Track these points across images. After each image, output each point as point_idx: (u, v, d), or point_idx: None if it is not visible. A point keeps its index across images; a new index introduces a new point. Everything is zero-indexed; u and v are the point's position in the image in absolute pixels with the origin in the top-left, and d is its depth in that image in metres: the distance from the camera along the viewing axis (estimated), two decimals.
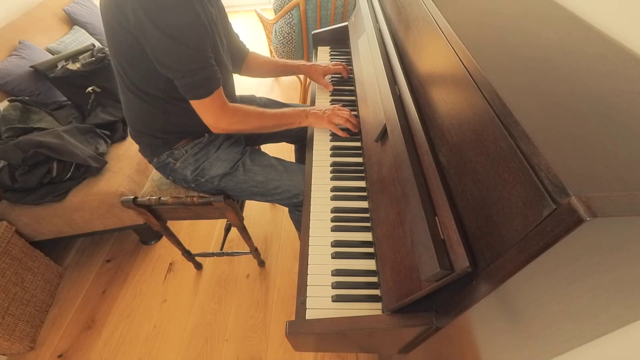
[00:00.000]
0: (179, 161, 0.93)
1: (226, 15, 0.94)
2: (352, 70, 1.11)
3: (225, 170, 0.93)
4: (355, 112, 0.99)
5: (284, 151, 1.75)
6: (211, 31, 0.77)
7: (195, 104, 0.78)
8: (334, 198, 0.76)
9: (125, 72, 0.78)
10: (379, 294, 0.60)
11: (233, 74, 1.00)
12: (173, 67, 0.70)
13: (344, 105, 1.02)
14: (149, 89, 0.79)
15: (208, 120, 0.81)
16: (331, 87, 1.09)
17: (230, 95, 0.97)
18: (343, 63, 1.13)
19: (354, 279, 0.63)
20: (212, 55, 0.75)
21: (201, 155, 0.93)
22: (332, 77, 1.12)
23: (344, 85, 1.10)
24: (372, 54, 0.83)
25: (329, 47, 1.28)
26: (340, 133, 0.90)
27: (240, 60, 1.06)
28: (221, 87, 0.79)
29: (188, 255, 1.29)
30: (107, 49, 1.49)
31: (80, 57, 1.51)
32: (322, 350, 0.69)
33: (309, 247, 0.68)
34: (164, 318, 1.29)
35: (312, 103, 1.04)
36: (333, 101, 1.04)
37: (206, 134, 0.94)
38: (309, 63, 1.12)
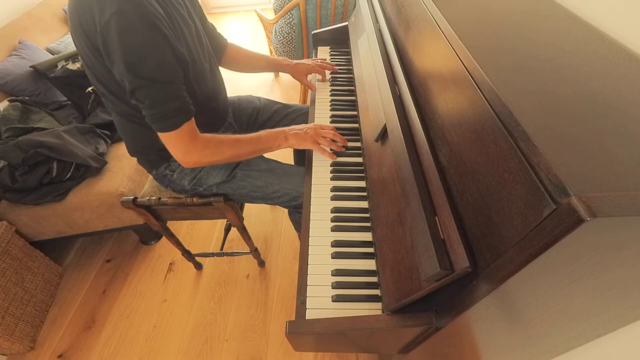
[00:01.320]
0: (176, 172, 0.92)
1: (200, 7, 0.90)
2: (352, 70, 1.11)
3: (222, 178, 0.93)
4: (355, 112, 0.99)
5: (283, 152, 1.75)
6: (186, 41, 0.74)
7: (162, 136, 0.73)
8: (334, 198, 0.76)
9: (108, 98, 0.76)
10: (379, 294, 0.60)
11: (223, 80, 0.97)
12: (138, 99, 0.66)
13: (343, 105, 1.02)
14: (136, 116, 0.77)
15: (177, 155, 0.76)
16: (314, 88, 1.07)
17: (223, 105, 0.94)
18: (329, 63, 1.11)
19: (354, 279, 0.63)
20: (183, 87, 0.71)
21: None
22: (332, 76, 1.12)
23: (343, 85, 1.10)
24: (372, 54, 0.83)
25: (329, 47, 1.28)
26: (327, 155, 0.84)
27: (220, 52, 1.02)
28: (192, 119, 0.74)
29: (188, 255, 1.29)
30: None
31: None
32: (322, 350, 0.69)
33: (309, 247, 0.68)
34: (164, 318, 1.29)
35: (312, 103, 1.04)
36: (333, 101, 1.03)
37: None
38: (293, 62, 1.09)
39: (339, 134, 0.87)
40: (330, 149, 0.85)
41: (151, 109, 0.67)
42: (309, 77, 1.12)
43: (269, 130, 0.87)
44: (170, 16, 0.70)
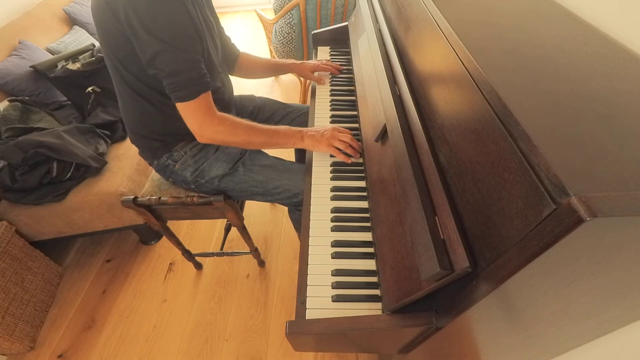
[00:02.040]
0: (178, 163, 0.93)
1: (217, 17, 0.94)
2: (352, 70, 1.11)
3: (224, 170, 0.93)
4: (355, 112, 0.99)
5: (283, 150, 1.75)
6: (205, 34, 0.77)
7: (180, 107, 0.74)
8: (334, 198, 0.76)
9: (120, 75, 0.77)
10: (379, 294, 0.60)
11: (230, 77, 1.01)
12: (159, 67, 0.69)
13: (343, 105, 1.02)
14: (145, 91, 0.79)
15: (192, 126, 0.77)
16: (324, 82, 1.10)
17: (228, 98, 0.97)
18: (334, 62, 1.15)
19: (354, 279, 0.63)
20: (201, 59, 0.73)
21: (200, 156, 0.93)
22: (332, 77, 1.12)
23: (343, 86, 1.10)
24: (372, 54, 0.83)
25: (329, 47, 1.28)
26: (343, 158, 0.83)
27: (233, 61, 1.07)
28: (209, 92, 0.76)
29: (188, 255, 1.29)
30: None
31: (80, 57, 1.51)
32: (322, 350, 0.68)
33: (309, 247, 0.68)
34: (164, 318, 1.29)
35: (312, 103, 1.04)
36: (333, 101, 1.03)
37: None
38: (299, 62, 1.13)
39: (356, 141, 0.85)
40: (346, 153, 0.84)
41: (171, 77, 0.70)
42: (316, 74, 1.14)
43: (288, 127, 0.87)
44: (194, 3, 0.74)
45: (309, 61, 1.14)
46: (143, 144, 0.92)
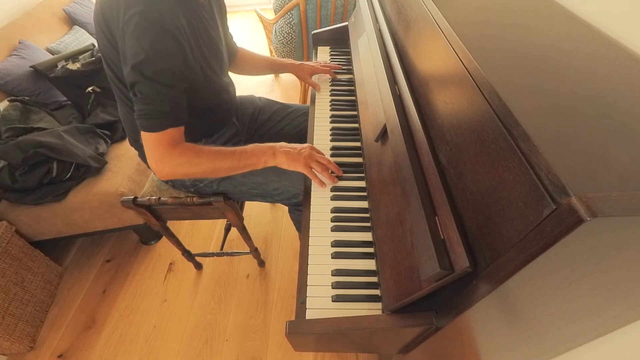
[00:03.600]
0: None
1: (225, 18, 0.94)
2: (352, 70, 1.11)
3: None
4: (355, 112, 0.99)
5: None
6: (204, 65, 0.76)
7: (143, 135, 0.71)
8: (334, 198, 0.76)
9: (115, 84, 0.77)
10: (379, 294, 0.60)
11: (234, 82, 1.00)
12: (135, 91, 0.67)
13: (343, 105, 1.02)
14: None
15: (150, 160, 0.73)
16: (319, 88, 1.08)
17: (228, 109, 0.97)
18: (333, 64, 1.14)
19: (354, 279, 0.63)
20: (182, 95, 0.71)
21: None
22: (332, 78, 1.12)
23: (343, 85, 1.10)
24: (372, 54, 0.83)
25: (329, 47, 1.28)
26: (318, 182, 0.77)
27: (231, 58, 1.06)
28: (181, 128, 0.72)
29: (188, 255, 1.29)
30: None
31: (80, 57, 1.51)
32: (322, 350, 0.69)
33: (309, 247, 0.68)
34: (164, 318, 1.29)
35: (312, 103, 1.04)
36: (333, 101, 1.03)
37: (202, 139, 0.93)
38: (297, 62, 1.12)
39: (335, 164, 0.80)
40: (322, 178, 0.78)
41: (142, 104, 0.67)
42: (313, 77, 1.13)
43: (256, 144, 0.82)
44: (194, 30, 0.72)
45: (308, 63, 1.13)
46: (141, 148, 0.92)
